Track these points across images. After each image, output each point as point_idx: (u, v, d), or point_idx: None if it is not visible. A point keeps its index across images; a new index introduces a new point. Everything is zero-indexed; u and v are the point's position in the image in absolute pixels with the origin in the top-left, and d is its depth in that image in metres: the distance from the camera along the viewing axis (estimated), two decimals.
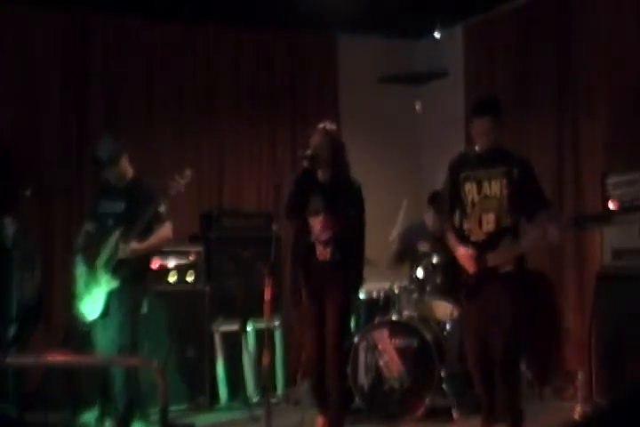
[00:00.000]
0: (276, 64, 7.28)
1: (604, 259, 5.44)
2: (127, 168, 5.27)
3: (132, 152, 6.66)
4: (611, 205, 5.44)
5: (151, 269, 5.41)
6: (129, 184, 5.25)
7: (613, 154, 5.80)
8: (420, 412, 5.44)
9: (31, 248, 5.52)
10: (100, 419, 5.45)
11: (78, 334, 5.46)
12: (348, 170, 5.14)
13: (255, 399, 6.06)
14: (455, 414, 5.52)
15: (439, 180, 6.85)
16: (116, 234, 5.05)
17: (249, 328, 6.22)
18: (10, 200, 5.81)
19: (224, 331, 6.22)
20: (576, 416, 5.06)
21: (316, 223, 5.05)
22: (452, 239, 4.81)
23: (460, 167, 4.80)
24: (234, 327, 6.18)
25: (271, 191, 7.02)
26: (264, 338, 5.02)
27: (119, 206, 5.17)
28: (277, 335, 6.35)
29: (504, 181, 4.61)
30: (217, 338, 6.21)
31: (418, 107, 7.61)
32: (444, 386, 5.56)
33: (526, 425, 4.74)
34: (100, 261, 5.08)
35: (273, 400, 5.54)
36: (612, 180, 5.45)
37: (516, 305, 4.61)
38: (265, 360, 4.95)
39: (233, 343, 6.20)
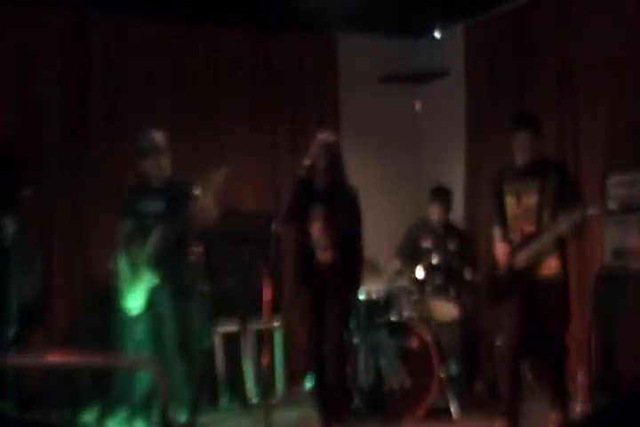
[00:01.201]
0: (276, 64, 7.27)
1: (604, 259, 5.44)
2: (167, 164, 5.34)
3: (132, 152, 6.72)
4: (611, 206, 5.44)
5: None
6: (167, 183, 5.33)
7: (613, 154, 5.80)
8: (420, 412, 5.45)
9: (31, 248, 5.52)
10: (100, 419, 5.45)
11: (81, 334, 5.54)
12: (344, 178, 5.22)
13: (255, 399, 6.06)
14: (455, 414, 5.53)
15: (439, 179, 6.88)
16: (157, 232, 5.18)
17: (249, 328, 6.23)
18: (10, 200, 5.81)
19: (224, 331, 6.22)
20: (576, 416, 5.06)
21: (315, 230, 5.13)
22: (496, 236, 4.88)
23: (501, 180, 4.87)
24: (234, 327, 6.18)
25: (271, 191, 7.02)
26: (264, 338, 5.03)
27: (159, 206, 5.27)
28: (277, 335, 6.35)
29: (539, 193, 4.67)
30: (217, 338, 6.21)
31: (418, 107, 7.61)
32: (443, 386, 5.57)
33: (526, 425, 4.75)
34: (143, 258, 5.22)
35: (273, 400, 5.54)
36: (612, 180, 5.46)
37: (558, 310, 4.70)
38: (265, 360, 4.96)
39: (233, 343, 6.20)
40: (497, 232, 4.92)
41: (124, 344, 5.55)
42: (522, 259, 4.70)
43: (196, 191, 5.10)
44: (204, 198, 5.02)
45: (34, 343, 5.56)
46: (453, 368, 5.87)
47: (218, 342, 6.21)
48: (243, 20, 6.95)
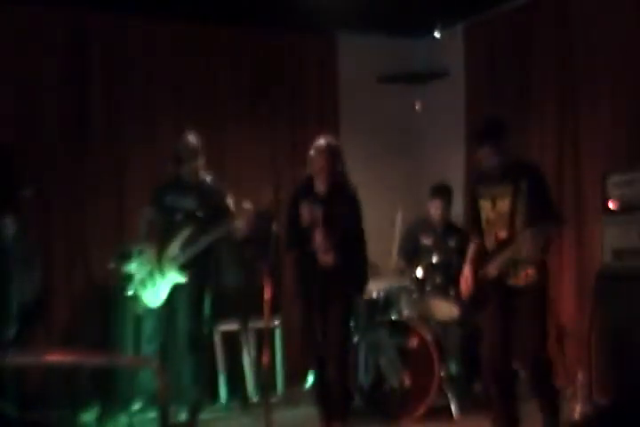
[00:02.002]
0: (276, 64, 7.28)
1: (604, 259, 5.44)
2: (201, 167, 5.51)
3: (133, 152, 6.72)
4: (611, 205, 5.45)
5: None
6: (201, 182, 5.49)
7: (613, 154, 5.80)
8: (420, 411, 5.45)
9: (31, 248, 5.53)
10: (100, 419, 5.45)
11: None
12: (345, 180, 5.23)
13: (255, 399, 6.06)
14: (455, 414, 5.53)
15: (439, 179, 6.87)
16: (188, 232, 5.31)
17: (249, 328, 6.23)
18: (10, 200, 5.82)
19: (224, 331, 6.22)
20: (576, 416, 5.06)
21: (317, 234, 5.14)
22: (469, 251, 4.88)
23: (477, 184, 4.86)
24: (234, 327, 6.19)
25: (271, 191, 7.01)
26: (264, 338, 5.04)
27: (190, 203, 5.41)
28: (277, 335, 6.35)
29: (511, 198, 4.61)
30: (217, 338, 6.21)
31: (418, 107, 7.61)
32: (443, 386, 5.57)
33: (526, 425, 4.75)
34: (169, 254, 5.33)
35: (273, 400, 5.54)
36: (611, 180, 5.46)
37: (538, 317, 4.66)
38: (265, 360, 4.97)
39: (233, 343, 6.20)
40: (470, 251, 4.88)
41: (126, 341, 5.59)
42: (493, 269, 4.66)
43: (230, 204, 5.39)
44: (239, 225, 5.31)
45: (34, 343, 5.56)
46: (453, 368, 5.87)
47: (218, 341, 6.21)
48: (243, 20, 6.95)
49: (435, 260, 5.91)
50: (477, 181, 4.90)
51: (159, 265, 5.35)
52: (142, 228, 5.53)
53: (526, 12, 6.58)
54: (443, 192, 6.29)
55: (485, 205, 4.73)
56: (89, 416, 5.52)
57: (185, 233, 5.33)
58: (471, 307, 5.00)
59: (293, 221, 5.24)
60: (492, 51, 6.95)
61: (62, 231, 6.44)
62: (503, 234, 4.62)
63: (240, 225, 5.32)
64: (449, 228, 6.28)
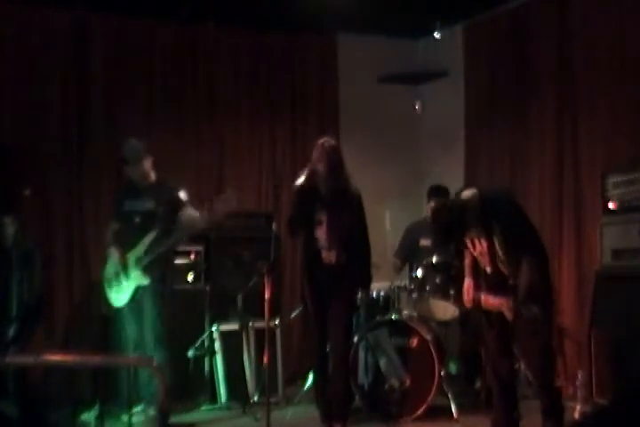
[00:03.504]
0: (276, 64, 7.28)
1: (604, 259, 5.44)
2: (150, 169, 5.59)
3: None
4: (611, 205, 5.45)
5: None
6: (154, 184, 5.58)
7: (613, 154, 5.80)
8: (420, 411, 5.45)
9: (31, 248, 5.53)
10: (100, 419, 5.44)
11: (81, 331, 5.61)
12: (347, 182, 5.24)
13: (255, 399, 6.06)
14: (455, 414, 5.53)
15: (439, 179, 6.88)
16: (152, 235, 5.40)
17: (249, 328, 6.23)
18: (10, 200, 5.82)
19: (224, 331, 6.22)
20: (576, 416, 5.06)
21: (321, 233, 5.17)
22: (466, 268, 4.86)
23: (460, 225, 4.72)
24: (234, 327, 6.18)
25: (271, 191, 7.03)
26: (264, 338, 5.04)
27: (146, 205, 5.51)
28: (277, 335, 6.34)
29: (485, 238, 4.58)
30: (217, 337, 6.20)
31: (418, 107, 7.61)
32: (443, 386, 5.57)
33: (526, 425, 4.75)
34: (132, 256, 5.45)
35: (273, 400, 5.54)
36: (612, 180, 5.46)
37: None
38: (265, 360, 4.97)
39: (233, 343, 6.19)
40: (466, 260, 4.85)
41: (113, 342, 5.68)
42: (484, 304, 4.66)
43: (183, 196, 5.47)
44: (211, 215, 5.31)
45: (34, 343, 5.56)
46: (453, 367, 5.87)
47: (218, 341, 6.20)
48: (243, 20, 6.95)
49: (435, 260, 5.91)
50: (458, 222, 4.81)
51: (124, 267, 5.49)
52: (109, 238, 5.64)
53: (526, 12, 6.59)
54: (440, 193, 6.28)
55: (470, 246, 4.73)
56: (89, 416, 5.51)
57: (150, 236, 5.42)
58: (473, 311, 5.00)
59: (299, 206, 5.24)
60: (492, 51, 6.95)
61: (62, 231, 6.44)
62: (489, 269, 4.64)
63: (197, 214, 5.38)
64: None
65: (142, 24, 6.79)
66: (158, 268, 5.47)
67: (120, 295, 5.53)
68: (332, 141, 5.25)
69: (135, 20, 6.74)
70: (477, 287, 4.72)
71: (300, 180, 5.22)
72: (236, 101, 7.13)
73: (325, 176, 5.13)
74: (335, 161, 5.13)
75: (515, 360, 4.90)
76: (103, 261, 5.67)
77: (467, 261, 4.82)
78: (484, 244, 4.59)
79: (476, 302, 4.68)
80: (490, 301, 4.60)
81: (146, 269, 5.43)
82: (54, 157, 6.45)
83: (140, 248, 5.44)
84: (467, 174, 7.19)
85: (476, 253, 4.68)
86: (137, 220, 5.50)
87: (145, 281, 5.43)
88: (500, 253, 4.56)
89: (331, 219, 5.16)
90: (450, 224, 4.52)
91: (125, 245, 5.51)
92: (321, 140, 5.22)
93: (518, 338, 4.67)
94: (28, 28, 6.43)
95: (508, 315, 4.50)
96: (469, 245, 4.68)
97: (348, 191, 5.22)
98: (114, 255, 5.54)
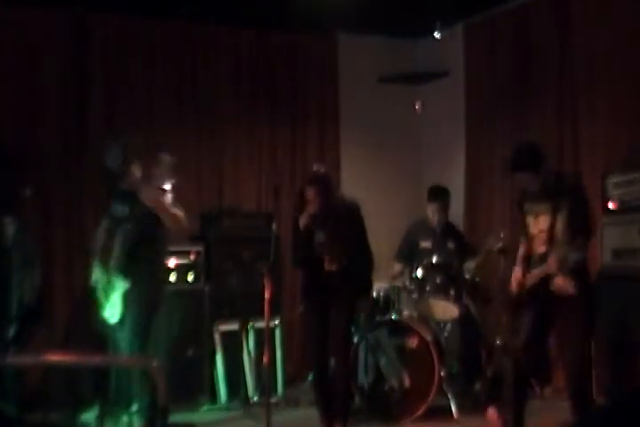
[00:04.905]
0: (276, 64, 7.28)
1: (604, 259, 5.44)
2: (138, 175, 5.22)
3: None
4: (611, 206, 5.45)
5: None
6: (132, 187, 5.22)
7: (613, 154, 5.80)
8: (420, 411, 5.45)
9: (31, 248, 5.52)
10: (100, 419, 5.45)
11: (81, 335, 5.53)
12: (338, 204, 5.28)
13: (255, 399, 6.06)
14: (455, 414, 5.53)
15: (439, 179, 6.88)
16: (120, 237, 5.11)
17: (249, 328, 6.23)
18: (10, 200, 5.81)
19: (224, 331, 6.22)
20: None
21: (321, 250, 5.19)
22: (518, 255, 4.91)
23: (523, 201, 4.88)
24: (234, 327, 6.19)
25: (271, 191, 7.02)
26: (264, 338, 5.04)
27: (125, 210, 5.21)
28: (277, 335, 6.35)
29: (551, 216, 4.66)
30: (217, 338, 6.21)
31: (418, 107, 7.61)
32: (444, 386, 5.57)
33: (526, 425, 4.74)
34: (112, 263, 5.11)
35: (273, 400, 5.54)
36: (611, 180, 5.46)
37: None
38: (265, 360, 4.97)
39: (233, 343, 6.20)
40: (520, 251, 4.92)
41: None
42: (529, 280, 4.71)
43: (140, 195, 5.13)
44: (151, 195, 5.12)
45: (34, 343, 5.55)
46: (453, 367, 5.87)
47: (218, 341, 6.21)
48: (243, 20, 6.95)
49: (435, 260, 5.91)
50: (523, 198, 4.91)
51: (108, 278, 5.15)
52: (94, 246, 5.32)
53: (526, 12, 6.59)
54: (440, 194, 6.28)
55: (529, 221, 4.78)
56: (89, 416, 5.51)
57: (119, 239, 5.14)
58: (506, 312, 5.04)
59: (298, 237, 5.26)
60: (492, 51, 6.96)
61: (62, 231, 6.44)
62: (542, 249, 4.67)
63: (145, 197, 5.10)
64: (447, 230, 6.27)
65: (142, 24, 6.79)
66: (139, 269, 5.10)
67: (113, 310, 5.18)
68: (322, 168, 5.31)
69: (135, 19, 6.74)
70: (524, 276, 4.76)
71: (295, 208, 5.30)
72: (236, 102, 7.13)
73: (314, 203, 5.16)
74: (328, 189, 5.19)
75: (540, 357, 4.91)
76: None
77: (520, 252, 4.87)
78: (547, 220, 4.64)
79: (522, 285, 4.72)
80: (535, 273, 4.64)
81: (124, 273, 5.10)
82: (54, 158, 6.45)
83: (115, 253, 5.12)
84: (467, 175, 7.19)
85: (534, 231, 4.72)
86: (117, 226, 5.19)
87: (126, 285, 5.08)
88: (558, 233, 4.59)
89: (329, 237, 5.19)
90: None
91: (106, 252, 5.19)
92: (314, 168, 5.30)
93: (562, 332, 4.68)
94: (28, 28, 6.43)
95: (554, 267, 4.53)
96: (531, 220, 4.73)
97: (340, 210, 5.26)
98: (97, 270, 5.22)
